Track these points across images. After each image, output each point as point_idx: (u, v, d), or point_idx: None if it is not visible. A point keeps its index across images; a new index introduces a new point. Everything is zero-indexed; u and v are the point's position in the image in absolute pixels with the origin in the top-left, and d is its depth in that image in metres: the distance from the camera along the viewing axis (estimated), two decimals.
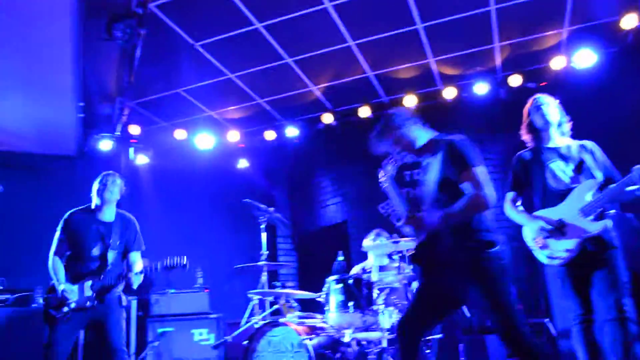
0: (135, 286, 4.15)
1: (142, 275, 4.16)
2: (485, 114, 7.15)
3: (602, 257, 3.35)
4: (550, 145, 3.63)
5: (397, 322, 2.97)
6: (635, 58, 6.11)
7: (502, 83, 6.97)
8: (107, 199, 4.26)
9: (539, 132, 3.66)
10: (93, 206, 4.29)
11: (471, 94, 7.08)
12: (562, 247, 3.44)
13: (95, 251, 4.16)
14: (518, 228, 6.83)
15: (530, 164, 3.67)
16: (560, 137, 3.65)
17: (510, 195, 3.78)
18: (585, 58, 6.28)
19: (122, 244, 4.30)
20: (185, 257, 4.11)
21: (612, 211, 3.51)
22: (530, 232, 3.64)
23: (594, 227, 3.35)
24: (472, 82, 6.98)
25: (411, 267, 4.93)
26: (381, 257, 5.57)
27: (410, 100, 7.28)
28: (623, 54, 6.28)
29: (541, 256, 3.56)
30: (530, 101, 3.73)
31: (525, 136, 3.76)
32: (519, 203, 3.77)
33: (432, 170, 2.98)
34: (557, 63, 6.51)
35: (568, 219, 3.44)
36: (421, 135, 3.13)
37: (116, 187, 4.32)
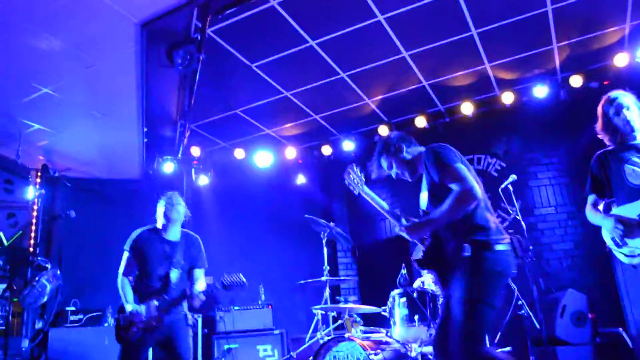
0: (196, 304, 4.21)
1: (203, 294, 4.21)
2: (546, 117, 6.96)
3: None
4: (630, 142, 3.45)
5: (432, 341, 2.96)
6: None
7: (562, 84, 6.79)
8: (173, 218, 4.36)
9: (619, 133, 3.47)
10: (159, 226, 4.39)
11: (530, 98, 6.91)
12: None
13: (161, 270, 4.25)
14: (586, 235, 6.60)
15: (609, 163, 3.51)
16: (637, 131, 3.44)
17: (591, 198, 3.63)
18: None
19: (187, 262, 4.39)
20: (241, 274, 4.15)
21: None
22: (607, 232, 3.45)
23: None
24: (531, 85, 6.82)
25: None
26: None
27: (467, 108, 7.17)
28: None
29: (621, 255, 3.38)
30: (605, 99, 3.54)
31: (603, 136, 3.58)
32: (600, 206, 3.59)
33: (424, 182, 3.10)
34: (620, 60, 6.27)
35: None
36: (412, 150, 3.28)
37: (181, 207, 4.42)
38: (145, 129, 6.22)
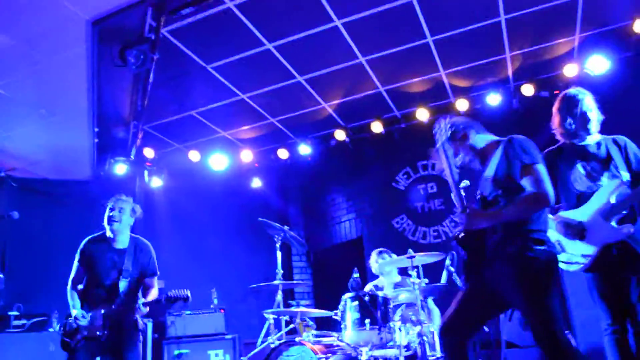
0: (141, 314, 4.10)
1: (156, 301, 4.13)
2: (498, 124, 7.02)
3: (630, 264, 3.18)
4: (581, 142, 3.44)
5: (441, 328, 2.86)
6: None
7: (514, 93, 6.95)
8: (115, 230, 4.20)
9: (572, 129, 3.43)
10: (108, 233, 4.26)
11: (484, 105, 7.05)
12: (580, 252, 3.28)
13: (109, 280, 4.12)
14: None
15: (557, 163, 3.49)
16: (592, 133, 3.43)
17: None
18: (599, 64, 6.20)
19: (137, 270, 4.25)
20: (188, 290, 4.08)
21: None
22: (552, 235, 3.33)
23: (615, 232, 3.18)
24: (484, 93, 6.96)
25: (426, 280, 4.89)
26: (392, 274, 5.56)
27: (422, 114, 7.26)
28: (636, 58, 6.23)
29: (560, 263, 3.29)
30: (562, 95, 3.52)
31: (557, 131, 3.54)
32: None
33: (490, 168, 2.91)
34: (570, 70, 6.44)
35: (589, 222, 3.27)
36: (481, 138, 3.08)
37: (124, 215, 4.23)
38: (96, 129, 6.07)
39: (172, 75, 6.00)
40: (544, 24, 5.78)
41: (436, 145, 3.13)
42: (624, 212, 3.18)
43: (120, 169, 7.23)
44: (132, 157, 7.19)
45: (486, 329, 5.11)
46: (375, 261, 5.65)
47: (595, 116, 3.41)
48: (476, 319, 2.88)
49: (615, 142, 3.41)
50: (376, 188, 7.87)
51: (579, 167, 3.39)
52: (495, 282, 2.76)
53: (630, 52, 6.24)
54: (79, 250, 4.23)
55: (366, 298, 4.39)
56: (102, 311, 3.98)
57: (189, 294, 4.05)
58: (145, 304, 4.06)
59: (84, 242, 4.27)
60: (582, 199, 3.33)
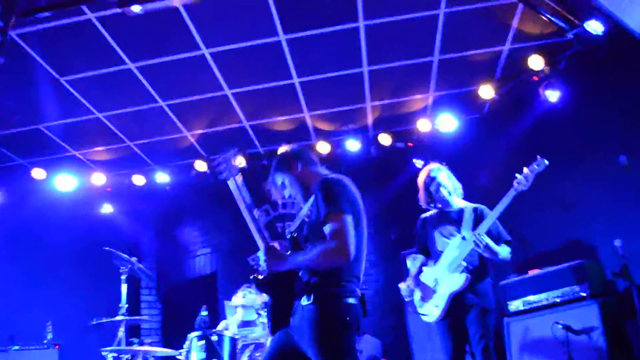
0: None
1: None
2: (356, 170, 7.36)
3: (470, 311, 3.65)
4: (445, 209, 3.96)
5: None
6: (492, 125, 6.66)
7: (373, 141, 7.27)
8: None
9: (435, 200, 3.97)
10: None
11: (344, 150, 7.29)
12: (433, 304, 3.75)
13: None
14: (386, 283, 7.05)
15: (427, 227, 4.02)
16: (454, 201, 3.97)
17: (420, 258, 4.08)
18: (448, 122, 6.68)
19: None
20: None
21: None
22: (415, 293, 3.96)
23: (456, 281, 3.65)
24: (344, 139, 7.21)
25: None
26: (249, 312, 5.46)
27: None
28: (481, 120, 6.83)
29: (421, 315, 3.88)
30: (424, 172, 4.04)
31: (423, 203, 4.06)
32: (430, 264, 4.00)
33: (306, 206, 2.78)
34: (423, 125, 6.86)
35: (440, 276, 3.77)
36: (310, 172, 2.85)
37: None
38: None
39: (19, 83, 5.50)
40: (402, 79, 6.17)
41: (223, 177, 2.84)
42: (464, 264, 3.68)
43: None
44: None
45: None
46: (241, 296, 5.50)
47: (450, 186, 3.96)
48: None
49: (475, 209, 3.90)
50: (234, 223, 7.74)
51: (439, 230, 3.91)
52: (296, 335, 2.55)
53: (477, 114, 6.82)
54: None
55: (214, 338, 4.24)
56: None
57: None
58: None
59: None
60: (440, 257, 3.85)
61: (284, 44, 5.35)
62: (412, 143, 7.22)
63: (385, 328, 6.78)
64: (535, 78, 5.89)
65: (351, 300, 2.50)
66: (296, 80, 5.99)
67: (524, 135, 6.03)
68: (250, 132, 7.06)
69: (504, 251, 3.78)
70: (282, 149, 2.97)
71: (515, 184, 3.74)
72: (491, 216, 3.76)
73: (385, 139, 7.12)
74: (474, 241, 3.62)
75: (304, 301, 2.49)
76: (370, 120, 7.02)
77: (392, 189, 7.24)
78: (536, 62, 5.70)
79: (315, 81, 6.03)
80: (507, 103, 6.40)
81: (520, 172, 3.77)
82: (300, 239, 2.73)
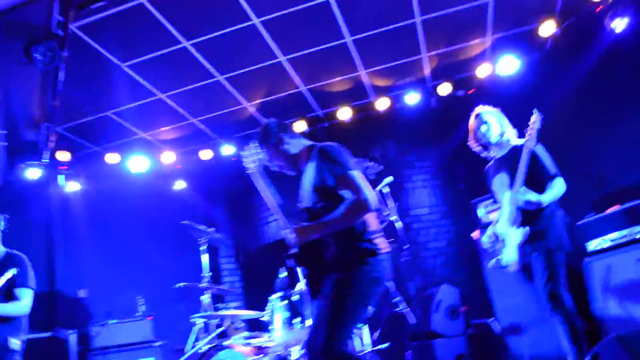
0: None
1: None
2: (417, 123, 7.31)
3: (533, 255, 3.64)
4: (497, 155, 3.94)
5: (306, 342, 2.79)
6: (554, 63, 6.40)
7: (432, 92, 7.15)
8: None
9: (485, 146, 3.96)
10: None
11: (403, 104, 7.22)
12: (507, 257, 3.77)
13: None
14: (458, 233, 7.01)
15: (488, 178, 4.04)
16: (505, 144, 3.92)
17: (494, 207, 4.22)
18: (509, 65, 6.50)
19: (5, 284, 4.04)
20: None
21: None
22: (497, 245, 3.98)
23: (517, 235, 3.67)
24: (403, 93, 7.11)
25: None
26: None
27: (344, 113, 7.35)
28: (543, 59, 6.57)
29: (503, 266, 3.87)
30: (473, 117, 3.99)
31: (476, 148, 4.05)
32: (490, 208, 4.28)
33: (307, 178, 2.97)
34: (482, 71, 6.72)
35: (505, 230, 3.78)
36: (296, 144, 3.12)
37: None
38: (4, 132, 5.72)
39: (85, 74, 5.71)
40: (457, 25, 5.98)
41: (248, 171, 3.17)
42: (518, 218, 3.67)
43: (32, 173, 6.86)
44: (44, 160, 6.83)
45: (415, 321, 5.24)
46: None
47: (498, 129, 3.90)
48: None
49: (529, 150, 3.72)
50: (299, 187, 7.87)
51: (497, 179, 3.90)
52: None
53: (537, 53, 6.56)
54: None
55: (295, 297, 4.38)
56: None
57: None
58: None
59: None
60: (502, 208, 3.84)
61: (333, 3, 5.28)
62: (472, 89, 7.05)
63: (462, 277, 6.79)
64: (599, 9, 5.58)
65: (382, 257, 2.76)
66: (348, 39, 5.93)
67: (590, 70, 5.77)
68: (308, 96, 7.08)
69: (550, 195, 3.65)
70: (263, 124, 3.24)
71: (527, 143, 3.68)
72: (521, 169, 3.66)
73: (444, 89, 7.00)
74: (514, 204, 3.64)
75: (342, 261, 2.75)
76: (427, 71, 6.88)
77: (456, 139, 7.10)
78: None
79: (368, 37, 5.94)
80: (570, 38, 6.12)
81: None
82: (312, 208, 2.91)
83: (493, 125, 3.91)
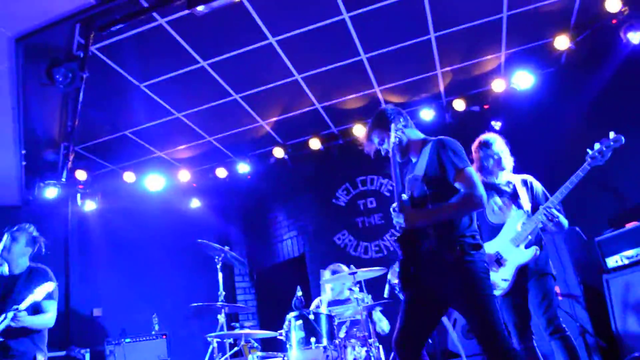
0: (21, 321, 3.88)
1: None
2: None
3: (534, 282, 3.67)
4: (495, 181, 3.90)
5: (394, 339, 2.82)
6: (570, 77, 6.38)
7: (447, 108, 7.15)
8: (5, 258, 4.11)
9: (487, 171, 3.91)
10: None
11: (418, 120, 7.21)
12: (500, 277, 3.71)
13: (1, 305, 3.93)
14: None
15: None
16: (504, 173, 3.92)
17: None
18: (524, 79, 6.49)
19: (30, 292, 4.07)
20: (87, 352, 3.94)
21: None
22: None
23: (525, 255, 3.64)
24: (418, 109, 7.12)
25: (370, 296, 4.91)
26: (340, 289, 5.54)
27: (359, 130, 7.36)
28: (558, 73, 6.55)
29: None
30: (477, 142, 3.98)
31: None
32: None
33: (419, 167, 2.97)
34: (497, 86, 6.70)
35: (503, 250, 3.74)
36: (410, 132, 3.12)
37: (16, 245, 4.15)
38: (23, 152, 5.80)
39: (103, 94, 5.81)
40: (472, 41, 6.00)
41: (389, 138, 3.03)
42: (530, 238, 3.67)
43: (50, 192, 6.93)
44: (63, 180, 6.90)
45: (430, 340, 5.17)
46: (329, 273, 5.59)
47: (501, 157, 3.87)
48: (424, 327, 2.87)
49: (524, 182, 3.89)
50: (317, 205, 7.88)
51: (496, 200, 3.84)
52: (436, 289, 2.79)
53: (552, 67, 6.56)
54: None
55: (311, 316, 4.36)
56: None
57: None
58: (20, 319, 3.81)
59: None
60: (495, 231, 3.80)
61: (348, 22, 5.33)
62: (487, 105, 7.04)
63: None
64: (614, 21, 5.57)
65: (483, 252, 2.81)
66: (364, 57, 5.97)
67: (606, 83, 5.75)
68: (323, 113, 7.12)
69: (565, 222, 3.74)
70: (380, 109, 3.22)
71: (588, 158, 3.64)
72: (564, 188, 3.66)
73: (459, 104, 6.99)
74: (545, 214, 3.61)
75: (444, 255, 2.74)
76: (442, 87, 6.89)
77: (471, 154, 7.10)
78: (613, 4, 5.39)
79: (382, 55, 5.97)
80: (585, 52, 6.11)
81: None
82: (419, 197, 2.90)
83: (498, 153, 3.91)
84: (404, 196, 2.85)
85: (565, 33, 5.95)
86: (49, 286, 3.94)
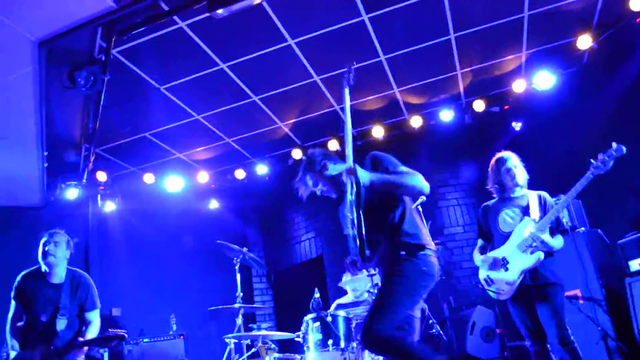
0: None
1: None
2: (452, 140, 7.24)
3: (541, 291, 3.69)
4: (511, 195, 4.00)
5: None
6: (592, 77, 6.29)
7: (466, 109, 7.10)
8: (50, 263, 4.13)
9: (504, 188, 3.99)
10: (43, 268, 4.15)
11: (438, 121, 7.18)
12: (505, 281, 3.80)
13: (45, 317, 3.99)
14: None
15: (489, 213, 4.09)
16: (520, 189, 4.00)
17: (479, 242, 4.20)
18: (545, 79, 6.42)
19: (75, 306, 4.14)
20: (125, 331, 3.97)
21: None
22: (481, 271, 4.03)
23: (529, 260, 3.70)
24: (437, 110, 7.08)
25: None
26: (360, 291, 5.52)
27: (377, 131, 7.34)
28: (580, 73, 6.46)
29: (491, 292, 3.92)
30: (494, 161, 4.06)
31: (492, 189, 4.11)
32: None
33: (363, 178, 2.95)
34: (518, 86, 6.64)
35: (509, 255, 3.82)
36: (336, 168, 3.18)
37: (59, 249, 4.17)
38: (45, 153, 5.86)
39: (124, 97, 5.87)
40: (492, 41, 5.95)
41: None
42: (535, 244, 3.70)
43: (71, 193, 7.01)
44: (84, 181, 6.98)
45: (449, 343, 5.13)
46: (350, 275, 5.59)
47: (518, 172, 3.96)
48: None
49: (538, 196, 3.94)
50: (335, 206, 7.85)
51: (507, 211, 3.95)
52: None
53: (574, 67, 6.47)
54: (14, 287, 4.11)
55: (328, 318, 4.35)
56: (40, 352, 3.80)
57: (125, 334, 3.92)
58: (83, 343, 3.90)
59: (18, 277, 4.16)
60: (505, 239, 3.89)
61: (368, 23, 5.32)
62: (507, 105, 6.97)
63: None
64: (638, 20, 5.48)
65: (428, 253, 2.90)
66: (383, 58, 5.95)
67: (629, 83, 5.64)
68: (342, 114, 7.10)
69: (558, 244, 3.77)
70: (309, 152, 3.35)
71: (592, 168, 3.67)
72: (563, 201, 3.75)
73: (479, 105, 6.94)
74: (532, 237, 3.69)
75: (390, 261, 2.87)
76: (461, 87, 6.84)
77: (491, 156, 7.03)
78: (637, 3, 5.31)
79: (402, 56, 5.95)
80: (607, 51, 6.02)
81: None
82: (371, 202, 2.95)
83: (514, 169, 3.97)
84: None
85: (588, 32, 5.88)
86: (95, 328, 4.13)
